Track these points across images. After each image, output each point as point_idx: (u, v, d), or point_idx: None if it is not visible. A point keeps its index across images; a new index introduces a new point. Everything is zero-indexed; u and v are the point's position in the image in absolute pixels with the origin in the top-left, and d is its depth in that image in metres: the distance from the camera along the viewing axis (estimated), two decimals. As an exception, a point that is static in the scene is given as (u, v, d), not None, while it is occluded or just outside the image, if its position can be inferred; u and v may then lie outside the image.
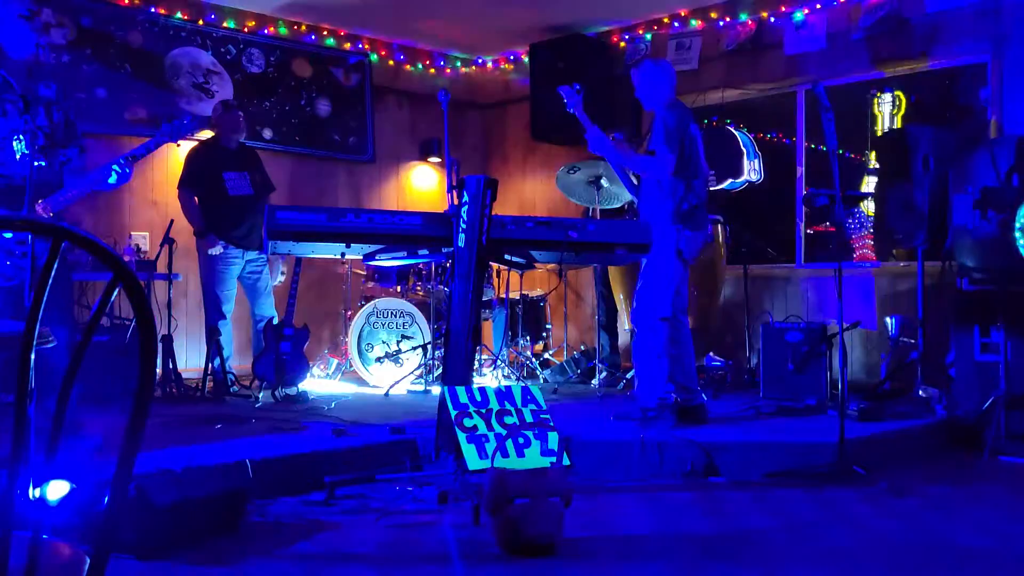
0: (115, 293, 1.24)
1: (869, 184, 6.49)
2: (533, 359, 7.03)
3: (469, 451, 3.48)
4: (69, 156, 3.82)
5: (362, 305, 6.82)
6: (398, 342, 6.60)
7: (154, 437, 4.29)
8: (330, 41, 8.02)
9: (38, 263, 3.41)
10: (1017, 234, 4.68)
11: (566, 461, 3.33)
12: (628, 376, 6.50)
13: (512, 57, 8.75)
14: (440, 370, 6.03)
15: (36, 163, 3.58)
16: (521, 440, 3.53)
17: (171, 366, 5.73)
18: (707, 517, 3.64)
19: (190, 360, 6.78)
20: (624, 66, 7.88)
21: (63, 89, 3.89)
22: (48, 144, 3.69)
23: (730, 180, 7.04)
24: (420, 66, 8.64)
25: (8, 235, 3.42)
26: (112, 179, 3.77)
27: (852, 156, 7.71)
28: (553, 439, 3.55)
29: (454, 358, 4.14)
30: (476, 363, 6.16)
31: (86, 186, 3.80)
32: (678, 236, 4.77)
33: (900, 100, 6.55)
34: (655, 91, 4.93)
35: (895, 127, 6.50)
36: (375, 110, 8.30)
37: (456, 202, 4.20)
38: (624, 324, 6.83)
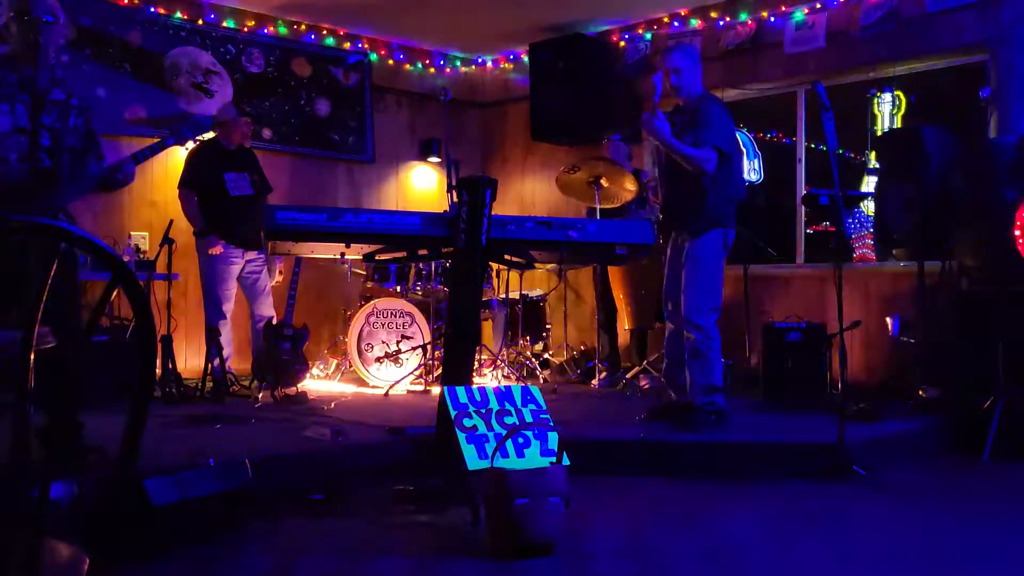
0: (115, 293, 1.24)
1: (869, 184, 6.48)
2: (533, 359, 7.03)
3: (469, 451, 3.47)
4: (86, 162, 3.82)
5: (362, 305, 6.81)
6: (398, 342, 6.60)
7: (154, 437, 4.29)
8: (330, 41, 8.02)
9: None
10: (1017, 234, 4.68)
11: (566, 461, 3.32)
12: (628, 376, 6.50)
13: (512, 57, 8.75)
14: (440, 370, 6.03)
15: (40, 163, 3.57)
16: (521, 440, 3.52)
17: (171, 366, 5.72)
18: (707, 517, 3.64)
19: (190, 360, 6.77)
20: (624, 65, 7.88)
21: (86, 98, 3.88)
22: (55, 146, 3.68)
23: (730, 180, 7.03)
24: (420, 66, 8.64)
25: None
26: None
27: (852, 156, 7.71)
28: (553, 439, 3.54)
29: (454, 358, 4.14)
30: (476, 363, 6.16)
31: (86, 187, 3.78)
32: (725, 232, 4.71)
33: (900, 100, 6.56)
34: (696, 78, 4.74)
35: (895, 127, 6.50)
36: (375, 110, 8.30)
37: (456, 202, 4.19)
38: (624, 324, 6.83)
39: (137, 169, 3.86)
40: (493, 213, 4.13)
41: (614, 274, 6.67)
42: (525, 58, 8.31)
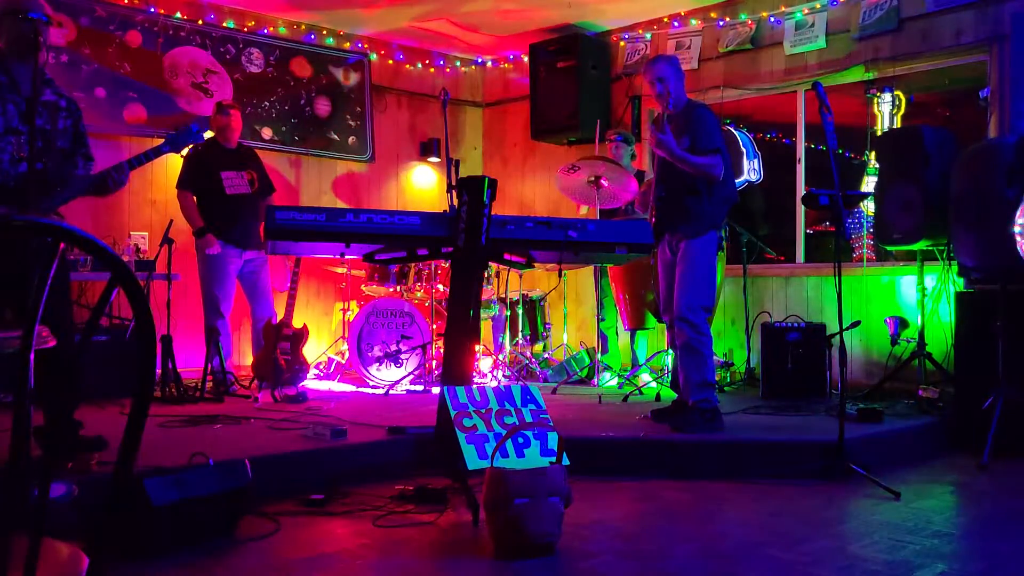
0: (114, 293, 1.24)
1: (869, 184, 6.48)
2: (533, 359, 7.03)
3: (468, 451, 3.47)
4: (75, 163, 3.81)
5: (362, 305, 6.81)
6: (398, 342, 6.60)
7: (154, 437, 4.29)
8: (330, 40, 8.02)
9: None
10: (1017, 232, 4.67)
11: (566, 461, 3.32)
12: (628, 376, 6.50)
13: (512, 57, 8.75)
14: (440, 370, 6.03)
15: (34, 165, 3.56)
16: (521, 440, 3.52)
17: (171, 366, 5.72)
18: (707, 517, 3.64)
19: (190, 360, 6.77)
20: (624, 65, 7.89)
21: (75, 100, 3.87)
22: (46, 147, 3.67)
23: (730, 180, 7.03)
24: (420, 66, 8.64)
25: None
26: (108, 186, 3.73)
27: (852, 156, 7.70)
28: (553, 439, 3.54)
29: (454, 358, 4.14)
30: (476, 363, 6.16)
31: (77, 189, 3.76)
32: (719, 233, 4.82)
33: (900, 100, 6.54)
34: (680, 86, 4.79)
35: (895, 127, 6.49)
36: (375, 110, 8.30)
37: (456, 202, 4.19)
38: (623, 324, 6.82)
39: (136, 169, 3.85)
40: (493, 213, 4.13)
41: (614, 274, 6.66)
42: (525, 58, 8.31)
